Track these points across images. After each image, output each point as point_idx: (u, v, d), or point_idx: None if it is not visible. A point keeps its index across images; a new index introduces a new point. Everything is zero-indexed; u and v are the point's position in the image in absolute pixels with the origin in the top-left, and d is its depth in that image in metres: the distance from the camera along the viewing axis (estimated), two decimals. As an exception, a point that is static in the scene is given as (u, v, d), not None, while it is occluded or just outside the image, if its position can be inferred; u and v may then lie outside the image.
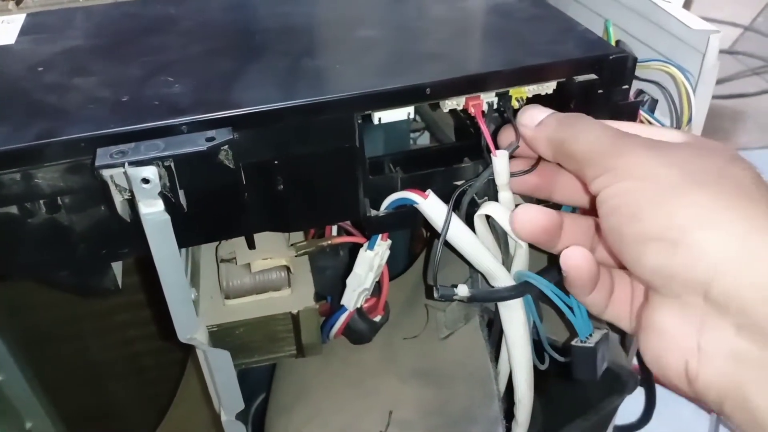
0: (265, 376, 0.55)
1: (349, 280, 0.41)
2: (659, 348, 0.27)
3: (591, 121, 0.31)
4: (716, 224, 0.25)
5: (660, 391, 0.69)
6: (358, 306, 0.43)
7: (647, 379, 0.60)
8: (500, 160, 0.34)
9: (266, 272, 0.41)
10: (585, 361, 0.39)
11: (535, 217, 0.32)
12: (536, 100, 0.36)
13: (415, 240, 0.58)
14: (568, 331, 0.41)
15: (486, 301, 0.39)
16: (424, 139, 0.62)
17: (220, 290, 0.41)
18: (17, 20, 0.42)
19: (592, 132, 0.30)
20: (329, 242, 0.42)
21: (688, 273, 0.25)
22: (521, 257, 0.36)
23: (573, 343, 0.37)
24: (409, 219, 0.37)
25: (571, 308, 0.35)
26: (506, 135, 0.35)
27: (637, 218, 0.27)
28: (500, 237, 0.36)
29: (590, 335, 0.37)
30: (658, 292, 0.27)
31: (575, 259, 0.31)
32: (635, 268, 0.27)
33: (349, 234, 0.43)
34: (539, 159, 0.35)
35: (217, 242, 0.43)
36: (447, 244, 0.36)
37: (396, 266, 0.53)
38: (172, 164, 0.29)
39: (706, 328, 0.25)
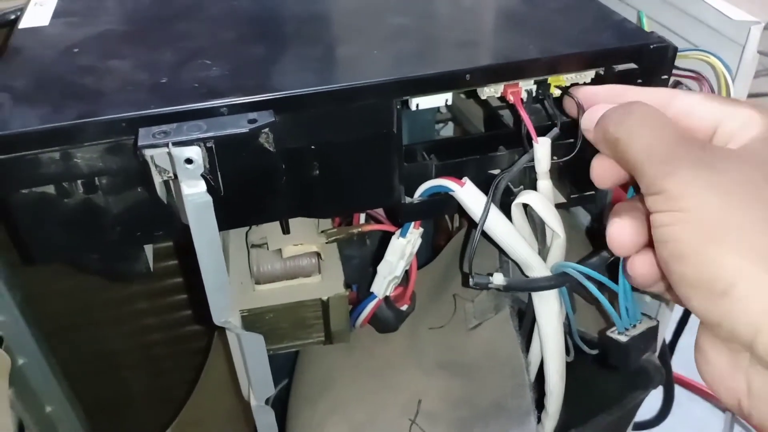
0: (285, 363, 0.55)
1: (380, 267, 0.41)
2: (712, 380, 0.27)
3: (648, 118, 0.28)
4: (762, 274, 0.23)
5: (677, 389, 0.69)
6: (387, 294, 0.43)
7: (666, 377, 0.60)
8: (542, 148, 0.34)
9: (297, 258, 0.40)
10: (616, 353, 0.38)
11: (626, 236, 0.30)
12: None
13: (438, 232, 0.58)
14: (606, 321, 0.41)
15: (523, 291, 0.39)
16: (448, 130, 0.62)
17: (251, 275, 0.41)
18: (50, 2, 0.42)
19: (646, 136, 0.27)
20: (359, 229, 0.42)
21: (732, 326, 0.24)
22: (558, 247, 0.36)
23: (608, 333, 0.37)
24: (444, 207, 0.37)
25: (612, 302, 0.35)
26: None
27: (682, 260, 0.25)
28: (537, 226, 0.36)
29: (634, 326, 0.36)
30: (710, 330, 0.26)
31: (641, 270, 0.30)
32: (685, 303, 0.26)
33: (378, 222, 0.43)
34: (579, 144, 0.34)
35: (248, 227, 0.43)
36: (482, 233, 0.36)
37: (419, 258, 0.53)
38: (213, 146, 0.29)
39: (754, 375, 0.25)
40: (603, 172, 0.31)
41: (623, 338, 0.37)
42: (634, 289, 0.34)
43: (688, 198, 0.25)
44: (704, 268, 0.24)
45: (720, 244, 0.24)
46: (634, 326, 0.37)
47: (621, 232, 0.29)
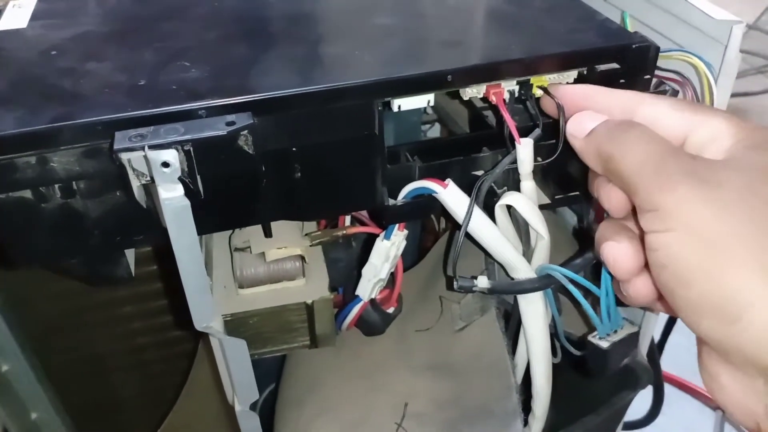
0: (273, 368, 0.55)
1: (364, 270, 0.40)
2: (727, 404, 0.25)
3: (641, 133, 0.27)
4: None
5: (667, 388, 0.69)
6: (373, 296, 0.42)
7: (655, 376, 0.60)
8: (524, 149, 0.33)
9: (281, 261, 0.40)
10: (596, 358, 0.38)
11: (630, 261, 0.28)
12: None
13: (425, 233, 0.58)
14: (586, 324, 0.41)
15: (508, 293, 0.39)
16: (434, 132, 0.62)
17: (234, 279, 0.40)
18: (29, 4, 0.41)
19: (640, 150, 0.26)
20: (344, 232, 0.42)
21: (745, 353, 0.23)
22: (542, 249, 0.35)
23: (590, 338, 0.37)
24: (427, 208, 0.37)
25: (593, 305, 0.34)
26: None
27: (688, 285, 0.24)
28: (521, 228, 0.36)
29: (615, 331, 0.36)
30: (719, 354, 0.25)
31: (643, 291, 0.28)
32: (692, 329, 0.25)
33: (363, 224, 0.43)
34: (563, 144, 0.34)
35: (231, 231, 0.42)
36: (466, 235, 0.35)
37: (406, 259, 0.53)
38: (191, 149, 0.29)
39: None
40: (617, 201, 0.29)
41: (604, 344, 0.36)
42: (619, 303, 0.34)
43: (686, 214, 0.24)
44: (713, 293, 0.23)
45: (727, 264, 0.23)
46: (616, 332, 0.36)
47: (621, 256, 0.28)
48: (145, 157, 0.28)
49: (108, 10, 0.41)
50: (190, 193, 0.29)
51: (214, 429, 0.58)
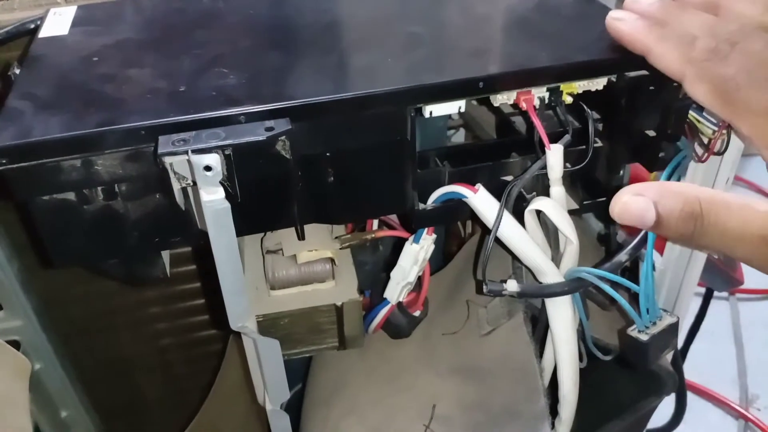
0: (299, 368, 0.55)
1: (393, 273, 0.41)
2: None
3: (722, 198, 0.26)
4: None
5: (689, 396, 0.68)
6: (401, 299, 0.43)
7: (678, 384, 0.60)
8: (554, 155, 0.34)
9: (311, 264, 0.41)
10: (635, 351, 0.38)
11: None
12: (586, 96, 0.36)
13: (450, 238, 0.58)
14: (618, 327, 0.41)
15: (537, 297, 0.39)
16: (459, 137, 0.63)
17: (266, 281, 0.41)
18: (68, 12, 0.43)
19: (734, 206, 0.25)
20: (373, 235, 0.42)
21: None
22: (571, 253, 0.36)
23: (629, 331, 0.37)
24: (457, 213, 0.38)
25: (633, 297, 0.34)
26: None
27: None
28: (551, 233, 0.36)
29: (654, 323, 0.36)
30: None
31: None
32: None
33: (391, 228, 0.43)
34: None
35: (263, 233, 0.43)
36: (495, 239, 0.36)
37: (431, 264, 0.54)
38: (231, 153, 0.30)
39: None
40: None
41: (644, 336, 0.37)
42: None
43: None
44: None
45: None
46: (654, 324, 0.37)
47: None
48: (188, 161, 0.29)
49: (146, 17, 0.42)
50: (228, 196, 0.30)
51: (241, 429, 0.59)
